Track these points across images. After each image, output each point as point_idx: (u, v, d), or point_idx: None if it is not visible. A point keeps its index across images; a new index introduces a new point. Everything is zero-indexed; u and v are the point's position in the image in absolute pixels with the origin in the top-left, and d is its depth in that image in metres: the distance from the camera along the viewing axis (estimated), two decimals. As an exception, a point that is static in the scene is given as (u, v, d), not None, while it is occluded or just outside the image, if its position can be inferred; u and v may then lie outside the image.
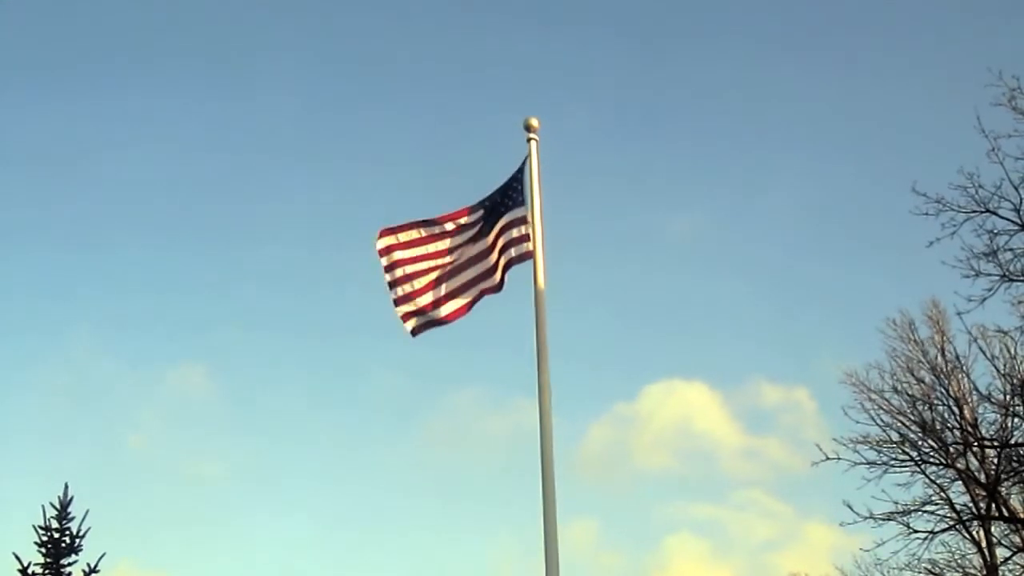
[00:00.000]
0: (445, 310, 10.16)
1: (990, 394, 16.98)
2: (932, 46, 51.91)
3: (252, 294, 53.45)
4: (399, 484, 45.41)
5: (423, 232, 10.28)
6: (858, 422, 19.51)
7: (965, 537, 19.20)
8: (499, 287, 10.22)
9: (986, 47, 44.08)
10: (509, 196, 10.34)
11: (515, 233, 10.21)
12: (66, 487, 16.35)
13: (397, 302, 10.12)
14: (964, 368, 19.23)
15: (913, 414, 19.59)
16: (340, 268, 53.55)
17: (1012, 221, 13.51)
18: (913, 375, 20.21)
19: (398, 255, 10.17)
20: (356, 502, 43.81)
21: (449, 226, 10.32)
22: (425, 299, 10.15)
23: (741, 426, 48.11)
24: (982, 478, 18.59)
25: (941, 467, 19.10)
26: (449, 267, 10.27)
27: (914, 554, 18.63)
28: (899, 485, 18.98)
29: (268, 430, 49.04)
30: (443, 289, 10.21)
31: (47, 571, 15.66)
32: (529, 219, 10.22)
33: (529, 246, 10.10)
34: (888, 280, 43.98)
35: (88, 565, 15.78)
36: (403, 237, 10.24)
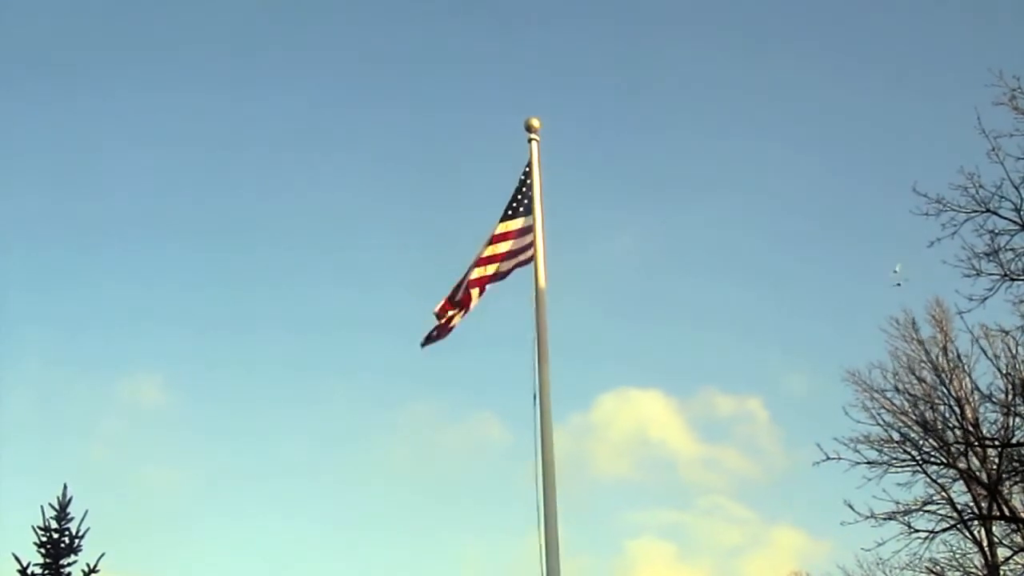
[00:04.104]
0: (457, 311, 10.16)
1: (991, 394, 16.96)
2: (932, 46, 51.95)
3: (215, 296, 52.93)
4: (373, 485, 45.19)
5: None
6: (859, 421, 19.50)
7: (966, 537, 19.20)
8: (503, 276, 10.29)
9: (986, 47, 44.12)
10: (519, 201, 10.32)
11: (525, 241, 10.25)
12: (64, 487, 16.22)
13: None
14: (966, 368, 19.22)
15: (914, 413, 19.57)
16: (330, 268, 53.55)
17: (1013, 221, 13.48)
18: (915, 374, 20.19)
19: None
20: (331, 503, 43.63)
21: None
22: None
23: (697, 435, 48.03)
24: (983, 478, 18.57)
25: (942, 467, 19.08)
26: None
27: (915, 553, 18.63)
28: (900, 485, 19.01)
29: (232, 435, 48.74)
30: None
31: (46, 571, 15.60)
32: (534, 221, 10.20)
33: (532, 252, 10.10)
34: (873, 283, 43.97)
35: (88, 565, 15.70)
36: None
